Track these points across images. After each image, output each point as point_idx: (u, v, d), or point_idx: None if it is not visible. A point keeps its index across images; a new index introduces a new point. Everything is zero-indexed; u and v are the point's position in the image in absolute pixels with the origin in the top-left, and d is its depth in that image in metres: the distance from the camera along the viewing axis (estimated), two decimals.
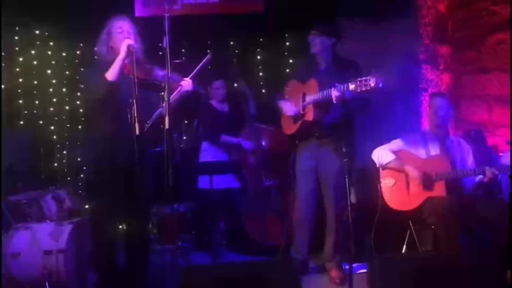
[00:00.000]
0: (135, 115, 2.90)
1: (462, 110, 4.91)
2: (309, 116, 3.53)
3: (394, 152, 3.64)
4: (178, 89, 3.24)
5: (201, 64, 3.33)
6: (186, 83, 3.27)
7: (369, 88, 3.11)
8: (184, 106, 3.44)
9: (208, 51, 3.45)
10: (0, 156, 4.04)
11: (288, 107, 3.68)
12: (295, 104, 3.65)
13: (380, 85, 3.11)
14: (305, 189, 3.66)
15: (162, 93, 3.07)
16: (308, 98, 3.54)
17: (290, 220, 3.82)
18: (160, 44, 3.07)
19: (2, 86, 4.97)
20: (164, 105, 2.95)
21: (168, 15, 3.07)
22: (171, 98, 3.06)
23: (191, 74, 3.31)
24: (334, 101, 3.32)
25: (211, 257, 4.40)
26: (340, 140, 3.22)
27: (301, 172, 3.68)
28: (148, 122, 3.10)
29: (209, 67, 3.63)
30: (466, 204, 3.43)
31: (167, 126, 2.86)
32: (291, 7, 4.80)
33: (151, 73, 3.27)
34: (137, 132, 2.88)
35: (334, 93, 3.28)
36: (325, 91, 3.37)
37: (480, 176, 3.46)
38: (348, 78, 3.30)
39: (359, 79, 3.15)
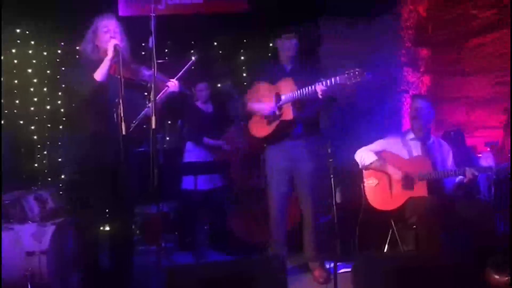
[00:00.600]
0: (121, 115, 2.88)
1: (442, 112, 4.99)
2: (288, 115, 3.53)
3: (377, 153, 3.69)
4: (164, 89, 3.23)
5: (187, 65, 3.34)
6: (173, 84, 3.27)
7: (359, 79, 3.18)
8: (169, 107, 3.42)
9: (192, 51, 3.43)
10: (0, 154, 3.95)
11: (262, 107, 3.63)
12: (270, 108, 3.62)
13: (369, 76, 3.20)
14: (279, 191, 3.66)
15: (147, 93, 3.06)
16: (286, 97, 3.54)
17: (266, 221, 3.81)
18: (143, 44, 3.06)
19: None
20: (150, 105, 2.94)
21: (154, 15, 3.06)
22: (157, 98, 3.04)
23: (178, 75, 3.31)
24: (320, 96, 3.35)
25: (195, 257, 4.40)
26: (313, 140, 3.27)
27: (275, 173, 3.67)
28: (134, 122, 3.09)
29: (193, 67, 3.63)
30: (447, 204, 3.49)
31: (153, 126, 2.85)
32: (276, 7, 4.82)
33: (138, 73, 3.26)
34: (123, 132, 2.86)
35: (320, 88, 3.31)
36: (308, 88, 3.39)
37: (460, 177, 3.52)
38: (315, 75, 3.41)
39: (346, 71, 3.22)
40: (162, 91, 3.24)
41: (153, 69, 2.97)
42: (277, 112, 3.58)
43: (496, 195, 3.85)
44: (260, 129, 3.70)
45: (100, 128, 3.10)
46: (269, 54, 5.44)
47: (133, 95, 3.16)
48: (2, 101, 4.91)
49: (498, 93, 4.76)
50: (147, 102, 3.07)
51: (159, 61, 6.03)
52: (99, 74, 3.07)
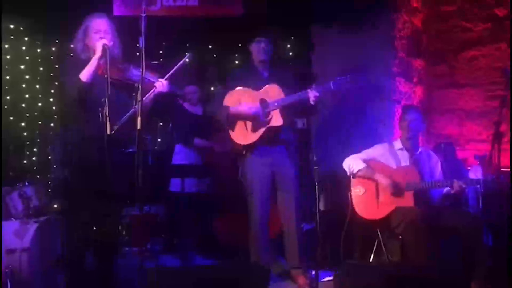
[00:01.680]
0: (107, 114, 2.87)
1: (433, 124, 5.00)
2: (277, 121, 3.50)
3: (365, 161, 3.68)
4: (152, 90, 3.19)
5: (178, 64, 3.28)
6: (160, 84, 3.21)
7: (352, 84, 3.24)
8: (156, 108, 3.38)
9: (187, 53, 3.39)
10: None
11: (249, 108, 3.54)
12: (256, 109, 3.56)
13: (361, 80, 3.27)
14: (260, 195, 3.61)
15: (135, 94, 3.04)
16: (274, 103, 3.51)
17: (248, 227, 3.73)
18: (138, 45, 3.05)
19: None
20: (136, 106, 2.92)
21: (144, 15, 3.04)
22: (145, 99, 3.02)
23: (167, 75, 3.26)
24: (312, 102, 3.34)
25: (181, 260, 4.38)
26: (310, 148, 3.26)
27: (256, 180, 3.61)
28: (118, 122, 3.01)
29: (186, 67, 3.60)
30: (433, 215, 3.49)
31: (138, 127, 2.83)
32: (269, 12, 4.83)
33: (126, 73, 3.23)
34: (108, 132, 2.85)
35: (313, 94, 3.31)
36: (300, 94, 3.38)
37: (448, 188, 3.52)
38: (290, 81, 3.43)
39: (338, 77, 3.26)
40: (150, 91, 3.20)
41: (141, 69, 2.97)
42: (264, 118, 3.54)
43: (484, 208, 3.84)
44: (243, 137, 3.61)
45: (86, 127, 3.08)
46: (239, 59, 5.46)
47: (120, 96, 3.14)
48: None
49: (490, 107, 4.76)
50: (133, 103, 3.05)
51: (154, 62, 6.05)
52: (85, 74, 3.06)
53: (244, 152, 3.63)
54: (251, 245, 3.69)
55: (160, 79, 3.22)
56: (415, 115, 3.69)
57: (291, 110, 3.56)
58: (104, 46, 3.05)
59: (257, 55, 3.64)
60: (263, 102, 3.57)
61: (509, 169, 4.16)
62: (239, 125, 3.63)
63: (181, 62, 3.28)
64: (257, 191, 3.62)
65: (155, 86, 3.20)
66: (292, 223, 3.61)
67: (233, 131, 3.65)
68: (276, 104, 3.51)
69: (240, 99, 3.62)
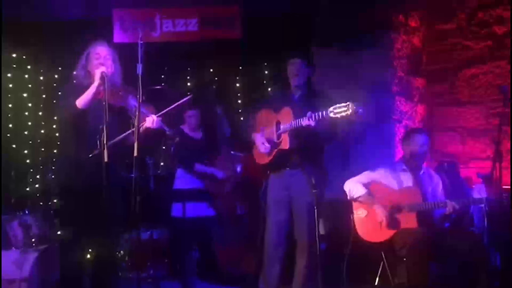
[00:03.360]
0: (104, 141, 2.88)
1: (436, 142, 4.96)
2: (285, 145, 3.49)
3: (366, 184, 3.64)
4: (141, 124, 3.12)
5: (176, 104, 3.24)
6: (151, 120, 3.16)
7: (349, 113, 3.12)
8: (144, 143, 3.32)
9: (189, 93, 3.38)
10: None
11: (259, 143, 3.61)
12: (269, 133, 3.62)
13: (360, 110, 3.14)
14: (276, 220, 3.58)
15: (131, 120, 3.06)
16: (283, 126, 3.53)
17: (260, 250, 3.74)
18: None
19: None
20: (133, 131, 2.93)
21: (141, 42, 3.08)
22: (131, 131, 3.02)
23: (161, 112, 3.22)
24: (303, 127, 3.33)
25: (182, 286, 4.33)
26: (310, 170, 3.23)
27: (273, 202, 3.62)
28: (107, 143, 2.97)
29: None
30: (436, 236, 3.44)
31: (135, 154, 2.84)
32: (269, 36, 4.86)
33: (124, 101, 3.24)
34: (105, 159, 2.85)
35: (305, 122, 3.29)
36: (297, 121, 3.38)
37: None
38: (321, 107, 3.32)
39: (338, 105, 3.17)
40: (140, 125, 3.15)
41: (138, 96, 2.99)
42: (276, 140, 3.57)
43: (489, 227, 3.78)
44: (261, 157, 3.69)
45: (84, 153, 3.08)
46: (264, 81, 5.47)
47: (116, 120, 3.15)
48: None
49: (492, 124, 4.73)
50: (130, 127, 3.06)
51: (156, 87, 6.10)
52: (81, 102, 3.09)
53: (268, 172, 3.66)
54: (262, 270, 3.64)
55: (152, 115, 3.18)
56: (424, 139, 3.66)
57: (306, 134, 3.44)
58: (102, 73, 3.09)
59: (292, 79, 3.64)
60: (277, 124, 3.60)
61: (508, 187, 4.12)
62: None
63: (180, 101, 3.26)
64: (272, 214, 3.61)
65: (144, 121, 3.15)
66: (304, 250, 3.52)
67: (254, 149, 3.75)
68: (283, 128, 3.52)
69: (262, 121, 3.70)
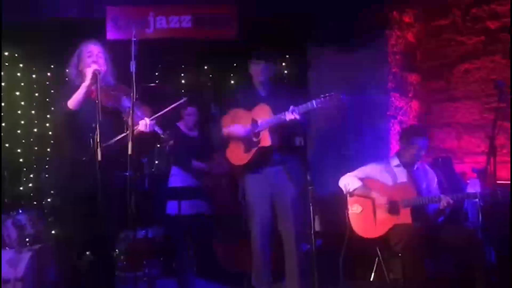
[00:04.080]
0: (98, 140, 2.87)
1: (431, 138, 4.96)
2: (266, 142, 3.49)
3: (361, 179, 3.65)
4: (135, 127, 3.08)
5: (170, 107, 3.23)
6: (144, 123, 3.13)
7: (334, 103, 3.23)
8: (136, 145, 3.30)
9: (183, 97, 3.36)
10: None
11: (237, 129, 3.57)
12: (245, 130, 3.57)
13: (343, 98, 3.26)
14: (261, 217, 3.58)
15: (125, 119, 3.04)
16: (262, 123, 3.51)
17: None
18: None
19: None
20: (127, 131, 2.92)
21: (135, 39, 3.06)
22: (127, 133, 2.99)
23: (155, 115, 3.20)
24: (291, 123, 3.35)
25: (179, 284, 4.32)
26: (292, 166, 3.24)
27: (256, 201, 3.59)
28: (102, 145, 2.95)
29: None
30: (431, 231, 3.44)
31: (129, 152, 2.82)
32: (265, 32, 4.85)
33: (117, 101, 3.21)
34: (99, 158, 2.83)
35: (289, 116, 3.31)
36: (279, 116, 3.38)
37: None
38: (287, 101, 3.41)
39: (322, 96, 3.26)
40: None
41: (132, 94, 2.97)
42: (255, 139, 3.54)
43: (484, 222, 3.79)
44: (238, 157, 3.62)
45: (77, 152, 3.06)
46: (244, 80, 5.45)
47: (108, 120, 3.12)
48: None
49: (487, 119, 4.74)
50: (125, 128, 3.04)
51: (151, 84, 6.06)
52: (73, 102, 3.07)
53: (241, 173, 3.61)
54: (253, 266, 3.65)
55: (145, 118, 3.16)
56: (425, 143, 3.66)
57: (286, 130, 3.52)
58: (94, 71, 3.07)
59: (256, 76, 3.65)
60: (253, 122, 3.56)
61: (507, 182, 4.13)
62: (233, 145, 3.64)
63: (174, 105, 3.24)
64: (257, 212, 3.59)
65: (138, 124, 3.12)
66: (292, 245, 3.55)
67: (228, 151, 3.67)
68: (263, 125, 3.50)
69: (233, 120, 3.63)
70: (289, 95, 3.59)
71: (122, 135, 3.06)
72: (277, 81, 3.79)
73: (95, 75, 3.05)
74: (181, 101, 3.29)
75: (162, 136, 3.26)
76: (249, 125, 3.56)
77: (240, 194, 3.66)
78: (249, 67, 3.69)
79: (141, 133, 3.14)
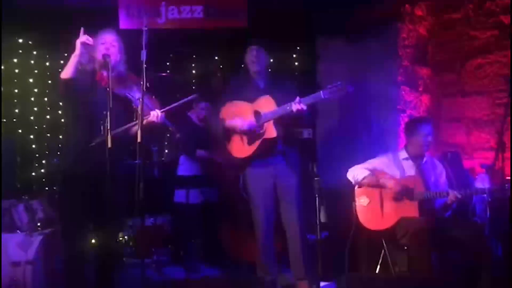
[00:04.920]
0: (108, 127, 2.90)
1: (441, 132, 4.94)
2: (271, 133, 3.47)
3: (369, 171, 3.65)
4: (146, 117, 3.12)
5: (181, 101, 3.23)
6: (155, 115, 3.14)
7: (342, 93, 3.25)
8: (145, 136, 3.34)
9: (195, 94, 3.38)
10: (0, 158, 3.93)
11: (242, 123, 3.53)
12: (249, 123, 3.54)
13: (351, 88, 3.28)
14: (265, 208, 3.59)
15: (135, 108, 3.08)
16: (266, 115, 3.50)
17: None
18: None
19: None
20: (137, 120, 2.95)
21: (146, 29, 3.09)
22: (134, 124, 3.03)
23: (166, 108, 3.21)
24: (298, 114, 3.35)
25: (186, 271, 4.37)
26: (293, 156, 3.24)
27: (259, 192, 3.59)
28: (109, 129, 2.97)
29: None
30: (438, 224, 3.45)
31: (139, 140, 2.86)
32: (275, 23, 4.84)
33: (129, 91, 3.23)
34: (109, 145, 2.87)
35: (295, 107, 3.31)
36: (284, 106, 3.38)
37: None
38: (288, 92, 3.40)
39: (330, 85, 3.27)
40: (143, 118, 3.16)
41: (142, 82, 3.00)
42: (259, 131, 3.52)
43: (491, 217, 3.79)
44: (241, 150, 3.60)
45: (87, 139, 3.10)
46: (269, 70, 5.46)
47: (118, 109, 3.16)
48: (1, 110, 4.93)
49: (497, 115, 4.70)
50: (130, 120, 3.08)
51: (162, 74, 6.08)
52: (65, 72, 3.10)
53: (243, 165, 3.61)
54: (257, 257, 3.67)
55: (156, 110, 3.17)
56: (428, 129, 3.64)
57: (290, 121, 3.51)
58: (104, 56, 3.10)
59: (250, 65, 3.63)
60: (256, 114, 3.55)
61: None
62: (235, 138, 3.62)
63: (185, 99, 3.25)
64: (260, 204, 3.60)
65: (149, 114, 3.14)
66: (296, 234, 3.58)
67: (230, 144, 3.64)
68: (267, 116, 3.48)
69: (235, 112, 3.60)
70: (289, 87, 3.57)
71: (132, 123, 3.10)
72: (282, 73, 3.78)
73: (105, 60, 3.08)
74: (192, 97, 3.30)
75: (170, 128, 3.30)
76: (252, 117, 3.54)
77: (241, 186, 3.66)
78: (244, 57, 3.66)
79: (152, 123, 3.16)
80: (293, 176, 3.54)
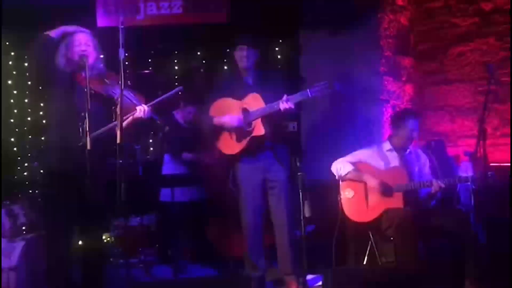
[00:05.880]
0: (87, 129, 2.85)
1: (425, 121, 4.96)
2: (259, 131, 3.47)
3: (353, 164, 3.65)
4: (132, 113, 3.10)
5: (167, 94, 3.17)
6: (142, 110, 3.10)
7: (329, 90, 3.25)
8: (132, 132, 3.30)
9: (179, 86, 3.34)
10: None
11: (231, 120, 3.53)
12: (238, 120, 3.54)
13: (337, 86, 3.28)
14: (254, 203, 3.59)
15: (114, 107, 3.03)
16: (254, 113, 3.49)
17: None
18: (126, 54, 3.02)
19: None
20: (116, 120, 2.91)
21: (122, 27, 3.03)
22: (124, 119, 2.99)
23: (152, 102, 3.16)
24: (285, 112, 3.34)
25: (174, 271, 4.35)
26: (281, 152, 3.25)
27: (248, 187, 3.59)
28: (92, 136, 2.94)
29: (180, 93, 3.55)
30: (423, 214, 3.46)
31: (118, 141, 2.82)
32: (256, 16, 4.81)
33: (111, 88, 3.18)
34: (88, 146, 2.83)
35: (283, 106, 3.30)
36: (272, 105, 3.38)
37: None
38: (275, 89, 3.41)
39: (316, 84, 3.26)
40: (130, 114, 3.10)
41: (120, 81, 2.95)
42: (247, 128, 3.52)
43: (476, 205, 3.81)
44: (230, 147, 3.60)
45: (66, 140, 3.05)
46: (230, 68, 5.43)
47: (100, 108, 3.11)
48: None
49: (480, 102, 4.71)
50: (113, 117, 3.03)
51: (144, 71, 6.02)
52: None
53: (233, 161, 3.61)
54: (245, 253, 3.66)
55: (143, 105, 3.12)
56: (416, 125, 3.65)
57: (278, 118, 3.51)
58: (81, 57, 3.05)
59: (240, 62, 3.62)
60: (245, 112, 3.54)
61: (503, 164, 4.13)
62: (225, 135, 3.61)
63: (171, 93, 3.19)
64: (249, 199, 3.60)
65: (135, 110, 3.10)
66: (284, 228, 3.58)
67: (219, 141, 3.64)
68: (255, 114, 3.49)
69: (223, 109, 3.59)
70: (277, 83, 3.57)
71: (112, 124, 3.05)
72: (266, 67, 3.76)
73: (82, 60, 3.03)
74: (177, 89, 3.24)
75: (158, 122, 3.26)
76: (240, 115, 3.53)
77: (230, 181, 3.65)
78: (233, 53, 3.65)
79: (138, 119, 3.13)
80: (281, 170, 3.54)
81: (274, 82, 3.58)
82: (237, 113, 3.54)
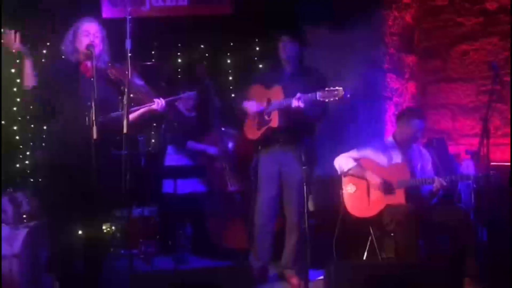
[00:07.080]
0: (93, 118, 2.87)
1: (427, 119, 4.97)
2: (274, 123, 3.54)
3: (356, 160, 3.67)
4: (149, 104, 3.18)
5: (183, 94, 3.48)
6: (160, 103, 3.19)
7: (336, 98, 3.21)
8: (145, 120, 3.35)
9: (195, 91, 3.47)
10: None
11: (252, 105, 3.65)
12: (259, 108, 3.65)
13: (348, 95, 3.24)
14: (267, 195, 3.65)
15: (121, 97, 3.04)
16: (273, 104, 3.56)
17: (251, 225, 3.79)
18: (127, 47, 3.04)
19: None
20: (122, 110, 2.92)
21: (129, 17, 3.04)
22: (136, 108, 3.06)
23: (169, 99, 3.26)
24: (293, 108, 3.36)
25: (175, 262, 4.36)
26: (300, 148, 3.26)
27: (264, 177, 3.67)
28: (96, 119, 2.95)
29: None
30: (424, 211, 3.48)
31: (125, 131, 2.83)
32: (260, 12, 4.81)
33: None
34: (94, 136, 2.84)
35: (294, 103, 3.34)
36: (286, 100, 3.42)
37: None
38: (312, 85, 3.39)
39: (326, 88, 3.24)
40: (147, 105, 3.18)
41: (127, 72, 2.96)
42: (267, 117, 3.60)
43: (477, 203, 3.83)
44: (252, 132, 3.73)
45: (70, 130, 3.06)
46: (255, 58, 5.43)
47: (111, 95, 3.13)
48: None
49: (483, 101, 4.74)
50: (119, 109, 3.05)
51: (147, 63, 6.02)
52: (27, 80, 3.14)
53: (259, 147, 3.71)
54: (252, 244, 3.72)
55: (161, 98, 3.20)
56: (422, 126, 3.68)
57: (295, 113, 3.48)
58: (88, 46, 3.06)
59: (281, 53, 3.69)
60: (268, 102, 3.62)
61: (502, 164, 4.15)
62: (249, 120, 3.74)
63: (187, 94, 3.53)
64: (265, 189, 3.66)
65: (153, 101, 3.19)
66: (295, 223, 3.61)
67: (245, 124, 3.79)
68: (273, 106, 3.56)
69: (253, 95, 3.71)
70: (311, 79, 3.58)
71: (116, 113, 3.06)
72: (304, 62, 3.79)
73: (90, 51, 3.04)
74: (192, 93, 3.55)
75: (169, 117, 3.33)
76: (264, 103, 3.62)
77: (252, 170, 3.71)
78: (277, 44, 3.72)
79: (153, 111, 3.22)
80: (298, 169, 3.49)
81: (308, 78, 3.60)
82: (262, 101, 3.64)
